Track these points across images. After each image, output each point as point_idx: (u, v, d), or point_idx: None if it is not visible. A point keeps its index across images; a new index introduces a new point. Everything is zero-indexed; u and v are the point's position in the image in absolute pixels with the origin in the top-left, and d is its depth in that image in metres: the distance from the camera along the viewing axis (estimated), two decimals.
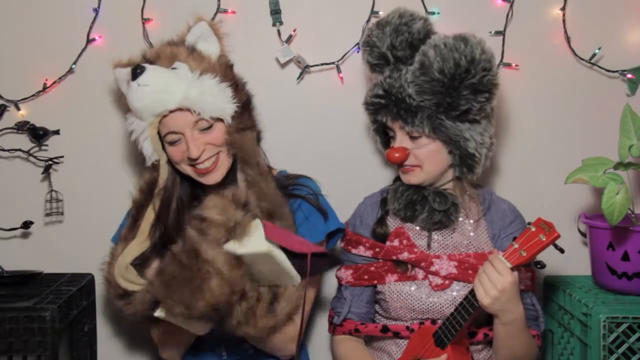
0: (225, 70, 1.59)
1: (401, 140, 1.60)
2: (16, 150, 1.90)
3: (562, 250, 1.42)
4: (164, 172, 1.61)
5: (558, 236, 1.36)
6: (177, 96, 1.51)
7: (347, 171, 1.95)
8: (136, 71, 1.52)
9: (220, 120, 1.56)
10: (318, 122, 1.95)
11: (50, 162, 1.89)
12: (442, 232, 1.63)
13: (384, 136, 1.69)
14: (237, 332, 1.43)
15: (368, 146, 1.94)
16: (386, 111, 1.59)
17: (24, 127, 1.89)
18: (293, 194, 1.62)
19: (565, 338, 1.76)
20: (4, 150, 1.90)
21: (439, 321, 1.56)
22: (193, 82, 1.52)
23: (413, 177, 1.61)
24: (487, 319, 1.50)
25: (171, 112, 1.53)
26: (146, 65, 1.53)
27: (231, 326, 1.41)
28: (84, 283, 1.80)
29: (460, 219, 1.63)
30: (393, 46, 1.61)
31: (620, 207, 1.56)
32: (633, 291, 1.67)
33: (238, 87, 1.59)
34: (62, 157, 1.91)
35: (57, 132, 1.91)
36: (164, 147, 1.59)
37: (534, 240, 1.38)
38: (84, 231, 1.93)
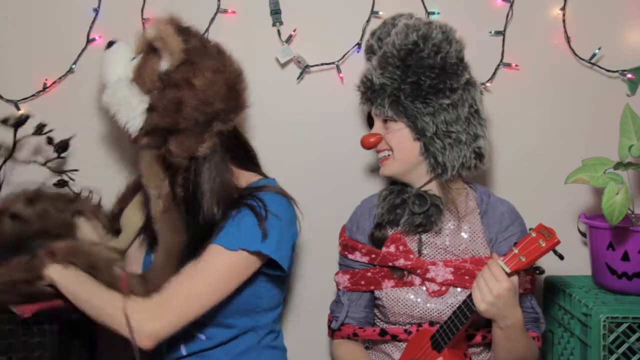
0: (155, 89, 1.48)
1: (377, 127, 1.64)
2: (31, 162, 1.86)
3: (561, 257, 1.41)
4: None
5: (558, 242, 1.36)
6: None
7: (347, 171, 1.95)
8: (108, 43, 1.58)
9: None
10: (318, 122, 1.94)
11: (63, 178, 1.85)
12: (434, 235, 1.62)
13: None
14: None
15: None
16: (364, 98, 1.65)
17: (41, 131, 1.80)
18: (245, 203, 1.52)
19: (565, 338, 1.76)
20: (19, 161, 1.86)
21: (437, 324, 1.55)
22: (113, 86, 1.51)
23: (387, 168, 1.64)
24: (486, 321, 1.50)
25: None
26: (115, 44, 1.56)
27: None
28: None
29: (452, 221, 1.62)
30: (379, 38, 1.67)
31: (620, 207, 1.56)
32: (633, 291, 1.67)
33: (157, 110, 1.47)
34: (77, 170, 1.87)
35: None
36: None
37: (533, 245, 1.37)
38: None
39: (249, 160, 1.68)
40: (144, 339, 1.42)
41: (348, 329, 1.67)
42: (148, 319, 1.42)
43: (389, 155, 1.63)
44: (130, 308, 1.42)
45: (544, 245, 1.36)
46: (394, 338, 1.62)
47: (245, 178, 1.62)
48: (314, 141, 1.95)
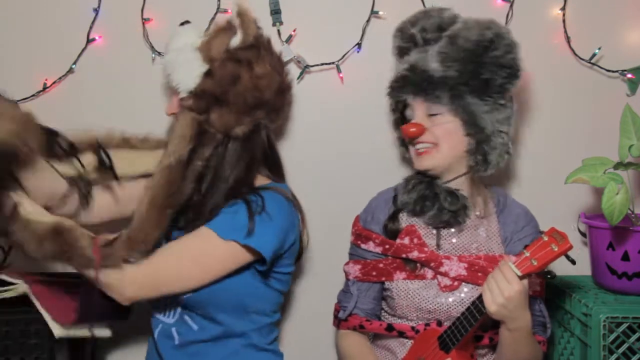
0: (217, 60, 1.55)
1: (419, 118, 1.61)
2: None
3: (573, 262, 1.41)
4: None
5: (570, 247, 1.36)
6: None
7: (347, 171, 1.95)
8: (183, 22, 1.65)
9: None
10: (318, 122, 1.94)
11: None
12: (453, 231, 1.62)
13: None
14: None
15: (368, 146, 1.94)
16: (410, 88, 1.60)
17: None
18: (245, 197, 1.56)
19: (565, 338, 1.76)
20: None
21: (445, 323, 1.55)
22: (177, 50, 1.57)
23: (427, 160, 1.60)
24: (493, 322, 1.50)
25: None
26: (189, 24, 1.63)
27: None
28: None
29: (473, 217, 1.62)
30: (423, 29, 1.65)
31: (620, 207, 1.56)
32: (633, 291, 1.67)
33: (214, 77, 1.54)
34: None
35: None
36: None
37: (545, 249, 1.37)
38: None
39: (273, 168, 1.68)
40: (123, 300, 1.51)
41: (355, 320, 1.67)
42: (131, 285, 1.49)
43: (430, 147, 1.60)
44: (116, 272, 1.47)
45: (556, 249, 1.36)
46: (401, 334, 1.62)
47: (259, 181, 1.64)
48: (313, 141, 1.95)
